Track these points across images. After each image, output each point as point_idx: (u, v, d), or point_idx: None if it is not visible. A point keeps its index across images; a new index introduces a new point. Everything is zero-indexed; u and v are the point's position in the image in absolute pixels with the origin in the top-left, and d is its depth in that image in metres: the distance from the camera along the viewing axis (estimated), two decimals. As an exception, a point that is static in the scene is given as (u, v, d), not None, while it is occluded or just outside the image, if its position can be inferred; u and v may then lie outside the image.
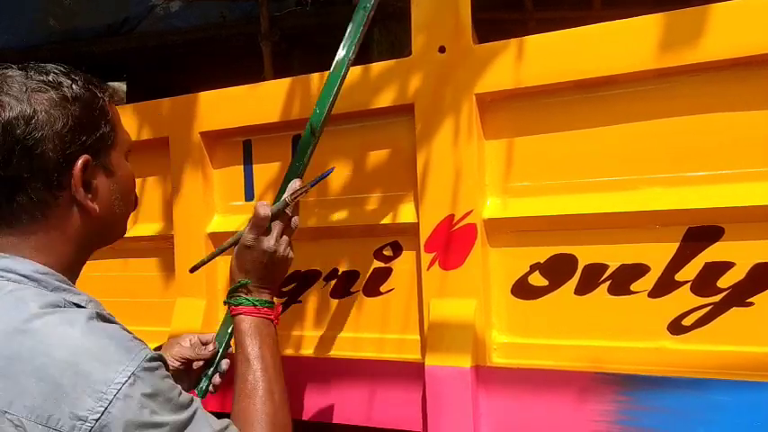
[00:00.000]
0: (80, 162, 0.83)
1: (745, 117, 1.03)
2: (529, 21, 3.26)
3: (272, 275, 1.11)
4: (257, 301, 1.09)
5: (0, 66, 0.84)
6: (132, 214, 1.52)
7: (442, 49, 1.22)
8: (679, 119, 1.08)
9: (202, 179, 1.45)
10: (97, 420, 0.74)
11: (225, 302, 1.12)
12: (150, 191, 1.55)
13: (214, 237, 1.46)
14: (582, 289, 1.15)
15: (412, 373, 1.24)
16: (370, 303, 1.33)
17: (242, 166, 1.45)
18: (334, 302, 1.37)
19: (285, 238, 1.09)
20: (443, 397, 1.17)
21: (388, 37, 3.02)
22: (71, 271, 0.89)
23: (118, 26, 4.03)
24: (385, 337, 1.31)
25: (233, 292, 1.10)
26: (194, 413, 0.85)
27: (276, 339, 1.10)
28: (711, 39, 1.03)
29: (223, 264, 1.47)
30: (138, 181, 1.52)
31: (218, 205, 1.47)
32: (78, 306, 0.83)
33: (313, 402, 1.34)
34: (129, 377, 0.76)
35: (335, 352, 1.34)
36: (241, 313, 1.08)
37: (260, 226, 1.06)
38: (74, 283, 0.89)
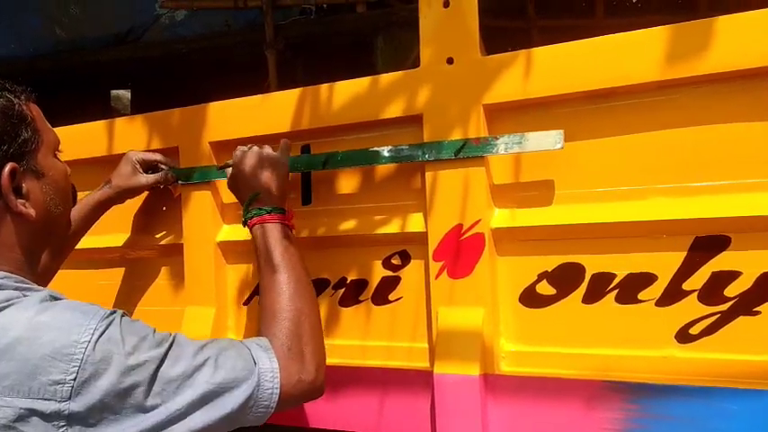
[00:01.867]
0: (5, 171, 0.84)
1: (752, 128, 1.05)
2: (532, 28, 3.27)
3: (277, 181, 1.19)
4: (270, 209, 1.16)
5: None
6: (142, 223, 1.55)
7: (450, 61, 1.23)
8: (685, 129, 1.09)
9: (211, 188, 1.46)
10: (75, 379, 0.76)
11: (243, 223, 1.19)
12: (160, 200, 1.56)
13: (223, 245, 1.47)
14: (589, 297, 1.16)
15: (420, 381, 1.25)
16: (379, 312, 1.34)
17: (251, 176, 1.46)
18: (343, 311, 1.38)
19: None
20: (452, 405, 1.18)
21: (392, 43, 3.04)
22: (29, 273, 0.91)
23: (123, 35, 4.05)
24: (393, 345, 1.32)
25: (247, 207, 1.17)
26: (173, 340, 0.86)
27: (293, 239, 1.16)
28: (717, 50, 1.04)
29: (233, 273, 1.48)
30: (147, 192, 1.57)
31: (226, 215, 1.48)
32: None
33: (320, 410, 1.35)
34: (93, 333, 0.78)
35: (344, 360, 1.34)
36: (256, 223, 1.15)
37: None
38: (40, 283, 0.91)
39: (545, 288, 1.19)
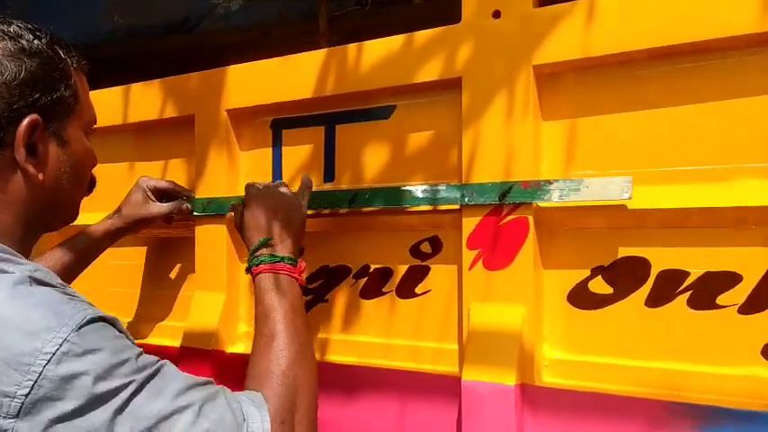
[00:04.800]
0: (27, 120, 0.74)
1: None
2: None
3: (292, 226, 1.07)
4: (278, 257, 1.03)
5: None
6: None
7: (496, 14, 1.05)
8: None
9: (228, 162, 1.33)
10: (27, 395, 0.63)
11: (246, 270, 1.06)
12: (172, 174, 1.44)
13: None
14: (655, 299, 0.96)
15: (447, 387, 1.07)
16: (404, 306, 1.17)
17: (270, 149, 1.31)
18: (364, 303, 1.21)
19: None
20: (482, 418, 1.00)
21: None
22: (13, 242, 0.78)
23: (179, 24, 4.05)
24: (419, 345, 1.14)
25: (254, 253, 1.04)
26: (158, 368, 0.73)
27: (299, 296, 1.02)
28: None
29: (243, 257, 1.34)
30: (160, 163, 1.44)
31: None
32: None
33: (337, 413, 1.18)
34: (61, 344, 0.65)
35: (362, 359, 1.18)
36: (261, 272, 1.01)
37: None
38: (21, 257, 0.77)
39: (600, 286, 1.00)
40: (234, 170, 1.34)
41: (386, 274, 1.19)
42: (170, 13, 4.01)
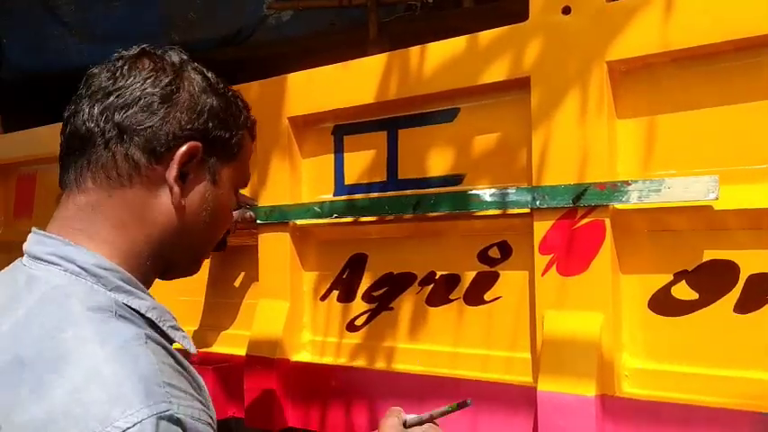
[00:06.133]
0: (189, 144, 0.74)
1: None
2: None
3: None
4: None
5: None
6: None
7: (566, 10, 1.02)
8: None
9: (290, 169, 1.32)
10: None
11: None
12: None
13: (302, 231, 1.32)
14: (744, 305, 0.91)
15: (520, 398, 1.03)
16: (473, 313, 1.14)
17: (332, 155, 1.30)
18: (431, 311, 1.18)
19: None
20: (560, 429, 0.96)
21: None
22: (140, 270, 0.77)
23: (232, 37, 4.12)
24: (489, 354, 1.11)
25: None
26: None
27: None
28: None
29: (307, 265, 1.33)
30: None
31: (305, 199, 1.34)
32: (135, 313, 0.70)
33: (404, 425, 1.16)
34: (134, 425, 0.62)
35: (429, 368, 1.15)
36: None
37: None
38: (145, 290, 0.76)
39: (684, 291, 0.95)
40: (296, 177, 1.33)
41: (453, 280, 1.16)
42: (223, 28, 4.09)
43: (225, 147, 0.79)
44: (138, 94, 0.73)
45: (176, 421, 0.67)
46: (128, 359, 0.66)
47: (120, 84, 0.73)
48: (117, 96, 0.73)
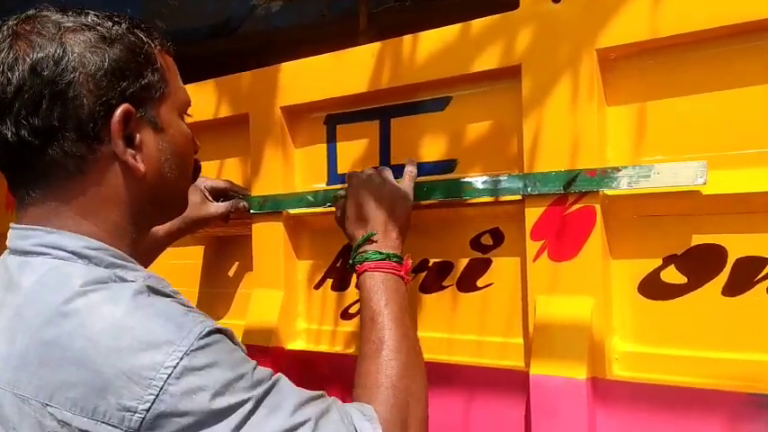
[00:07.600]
0: (119, 111, 0.72)
1: None
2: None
3: (398, 219, 1.02)
4: (384, 254, 0.98)
5: (39, 6, 0.74)
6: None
7: (556, -2, 1.03)
8: None
9: (283, 159, 1.33)
10: (148, 410, 0.63)
11: (348, 266, 1.01)
12: (228, 173, 1.44)
13: (295, 220, 1.33)
14: (732, 288, 0.92)
15: (514, 382, 1.05)
16: (466, 300, 1.15)
17: (325, 145, 1.31)
18: (424, 298, 1.20)
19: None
20: (551, 413, 0.97)
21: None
22: (125, 244, 0.77)
23: (220, 27, 4.08)
24: (483, 340, 1.12)
25: (357, 249, 0.99)
26: (274, 383, 0.71)
27: (406, 297, 0.98)
28: None
29: (300, 254, 1.34)
30: (216, 163, 1.45)
31: (299, 189, 1.34)
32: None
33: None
34: (182, 358, 0.65)
35: (426, 355, 1.15)
36: (366, 270, 0.97)
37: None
38: (135, 262, 0.77)
39: (673, 275, 0.97)
40: (289, 167, 1.34)
41: (446, 267, 1.17)
42: (211, 17, 4.06)
43: (149, 90, 0.76)
44: (39, 90, 0.68)
45: (216, 331, 0.70)
46: (145, 306, 0.68)
47: (10, 89, 0.69)
48: (19, 105, 0.69)
